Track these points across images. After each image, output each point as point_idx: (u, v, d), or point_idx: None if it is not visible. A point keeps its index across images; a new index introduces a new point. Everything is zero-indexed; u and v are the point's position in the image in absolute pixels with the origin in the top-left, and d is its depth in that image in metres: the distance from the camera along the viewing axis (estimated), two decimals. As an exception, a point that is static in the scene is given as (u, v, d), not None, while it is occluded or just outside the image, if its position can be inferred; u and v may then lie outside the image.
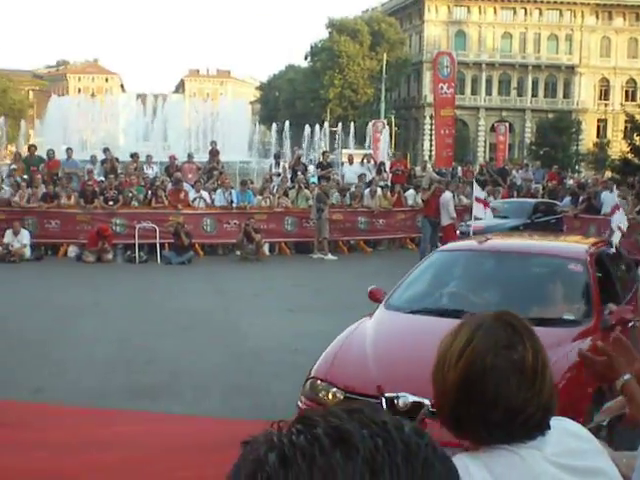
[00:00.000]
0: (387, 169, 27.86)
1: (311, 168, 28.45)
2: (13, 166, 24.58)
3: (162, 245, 20.51)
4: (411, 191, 25.11)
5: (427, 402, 5.33)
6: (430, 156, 57.32)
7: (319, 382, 6.23)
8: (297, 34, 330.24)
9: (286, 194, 23.14)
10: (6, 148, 48.29)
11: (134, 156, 25.08)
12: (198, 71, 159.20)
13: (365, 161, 28.92)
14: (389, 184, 25.30)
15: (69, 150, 25.78)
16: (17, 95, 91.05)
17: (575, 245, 8.88)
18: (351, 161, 28.83)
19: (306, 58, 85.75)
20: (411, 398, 5.52)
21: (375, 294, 7.94)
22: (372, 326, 7.15)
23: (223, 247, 22.15)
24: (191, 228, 20.70)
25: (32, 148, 26.45)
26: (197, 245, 21.12)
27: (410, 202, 24.57)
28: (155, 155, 27.60)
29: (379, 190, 23.76)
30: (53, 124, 40.86)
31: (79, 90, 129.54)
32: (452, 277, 8.29)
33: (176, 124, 42.19)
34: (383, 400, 5.62)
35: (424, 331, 6.88)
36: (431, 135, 62.45)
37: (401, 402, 5.54)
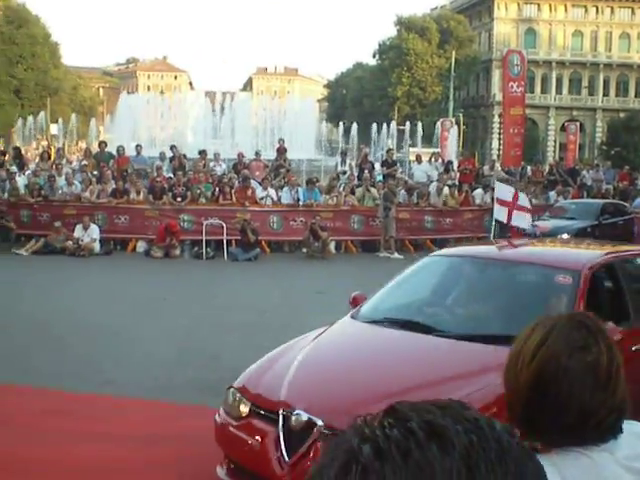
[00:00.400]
0: (455, 168, 27.62)
1: (377, 166, 28.34)
2: (84, 162, 24.94)
3: (229, 242, 20.60)
4: (479, 190, 24.82)
5: (320, 422, 5.05)
6: (498, 155, 56.65)
7: (234, 391, 5.87)
8: (365, 32, 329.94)
9: (353, 192, 23.08)
10: (76, 144, 49.10)
11: (202, 153, 25.27)
12: (266, 69, 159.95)
13: (433, 160, 28.69)
14: (457, 183, 25.05)
15: (138, 147, 26.13)
16: (87, 92, 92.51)
17: (581, 253, 7.70)
18: (419, 160, 28.60)
19: (374, 56, 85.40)
20: (305, 416, 5.16)
21: (357, 300, 7.43)
22: (319, 335, 6.63)
23: (289, 244, 22.18)
24: (258, 225, 20.75)
25: (102, 144, 26.80)
26: (263, 242, 21.17)
27: (477, 201, 24.29)
28: (223, 152, 27.78)
29: (446, 189, 23.55)
30: (123, 121, 41.36)
31: (148, 87, 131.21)
32: (433, 285, 7.63)
33: (244, 122, 42.42)
34: (280, 417, 5.32)
35: (368, 344, 6.53)
36: (500, 134, 61.67)
37: (293, 420, 5.20)
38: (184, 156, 25.35)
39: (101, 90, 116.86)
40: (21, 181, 23.00)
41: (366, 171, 24.85)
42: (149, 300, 14.27)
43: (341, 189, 23.13)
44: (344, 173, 25.56)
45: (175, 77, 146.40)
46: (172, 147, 26.24)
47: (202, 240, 20.43)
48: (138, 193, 21.70)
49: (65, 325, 12.06)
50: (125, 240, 21.51)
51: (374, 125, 42.62)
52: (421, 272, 7.72)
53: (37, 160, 27.86)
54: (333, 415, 5.05)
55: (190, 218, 21.18)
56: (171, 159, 25.06)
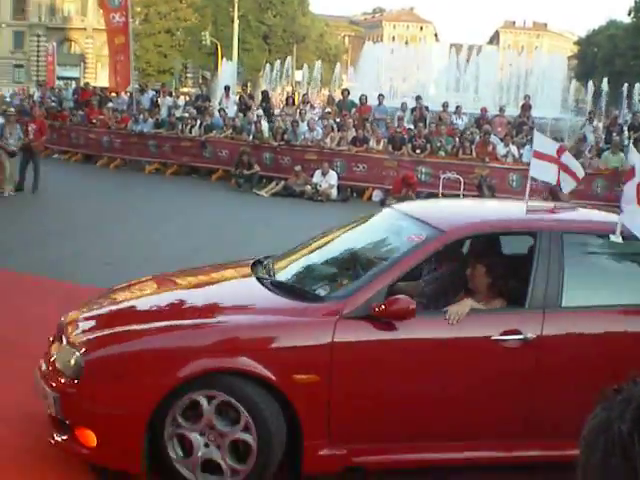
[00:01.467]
0: None
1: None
2: (327, 109, 25.23)
3: (465, 197, 20.23)
4: None
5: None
6: None
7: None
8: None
9: (599, 155, 21.98)
10: (320, 91, 49.91)
11: (444, 106, 24.92)
12: (514, 23, 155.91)
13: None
14: None
15: (380, 97, 26.12)
16: (333, 40, 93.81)
17: (474, 215, 6.35)
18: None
19: (629, 13, 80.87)
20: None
21: None
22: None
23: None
24: (496, 182, 20.21)
25: (345, 92, 27.03)
26: (501, 200, 20.63)
27: None
28: (465, 106, 27.29)
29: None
30: (366, 70, 41.66)
31: (393, 38, 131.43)
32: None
33: (488, 76, 41.52)
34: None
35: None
36: None
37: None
38: (426, 108, 25.12)
39: (346, 39, 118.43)
40: (266, 125, 23.64)
41: (614, 134, 23.59)
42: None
43: (587, 151, 22.09)
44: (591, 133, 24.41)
45: (421, 28, 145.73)
46: (417, 98, 26.02)
47: (438, 194, 20.18)
48: (378, 142, 21.74)
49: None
50: (362, 188, 21.63)
51: (625, 86, 40.44)
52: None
53: (282, 105, 28.53)
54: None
55: (428, 171, 20.96)
56: (412, 110, 24.89)
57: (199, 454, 4.90)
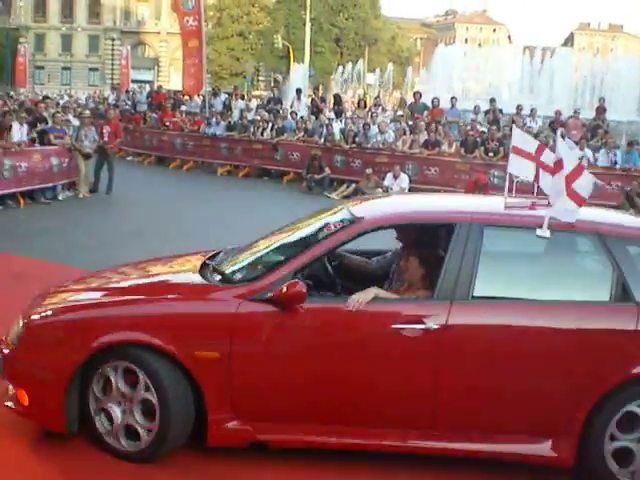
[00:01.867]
0: None
1: None
2: (399, 112, 25.12)
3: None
4: None
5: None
6: None
7: None
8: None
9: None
10: (391, 94, 49.84)
11: (518, 108, 24.61)
12: (589, 24, 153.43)
13: None
14: None
15: (453, 99, 25.96)
16: (405, 43, 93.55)
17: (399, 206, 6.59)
18: None
19: None
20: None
21: None
22: None
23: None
24: (571, 186, 19.86)
25: (417, 95, 26.88)
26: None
27: None
28: (539, 109, 26.89)
29: None
30: (438, 72, 41.43)
31: (466, 40, 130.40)
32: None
33: (563, 78, 40.82)
34: None
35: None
36: None
37: None
38: (500, 111, 24.84)
39: (418, 41, 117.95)
40: (337, 127, 23.65)
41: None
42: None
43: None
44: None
45: (494, 30, 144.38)
46: (492, 100, 25.68)
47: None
48: (450, 145, 21.57)
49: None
50: (434, 191, 21.43)
51: None
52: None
53: (353, 108, 28.52)
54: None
55: (500, 174, 20.68)
56: (486, 112, 24.64)
57: (119, 422, 5.37)
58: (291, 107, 27.59)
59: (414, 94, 27.61)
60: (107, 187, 18.87)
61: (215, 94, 29.66)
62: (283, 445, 5.42)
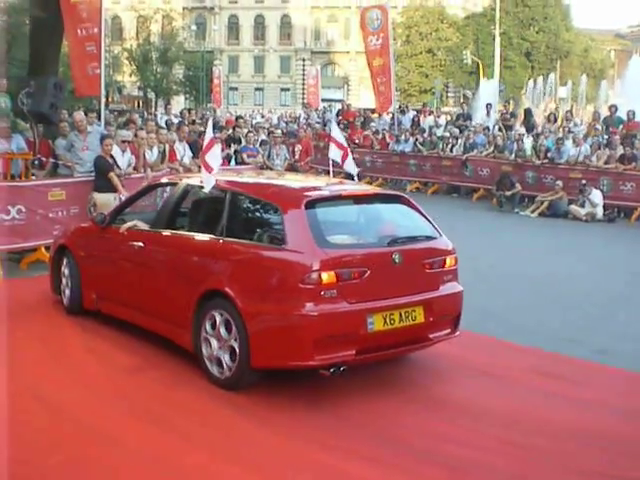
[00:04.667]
0: None
1: None
2: (597, 126, 24.34)
3: None
4: None
5: None
6: None
7: None
8: None
9: None
10: (585, 107, 48.51)
11: None
12: None
13: None
14: None
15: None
16: (598, 55, 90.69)
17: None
18: None
19: None
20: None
21: None
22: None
23: None
24: None
25: (612, 108, 25.99)
26: None
27: None
28: None
29: None
30: (633, 84, 39.88)
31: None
32: None
33: None
34: None
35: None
36: None
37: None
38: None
39: (612, 53, 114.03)
40: (528, 142, 23.25)
41: None
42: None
43: None
44: None
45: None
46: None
47: None
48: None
49: (561, 288, 12.02)
50: (630, 208, 20.65)
51: None
52: None
53: (544, 122, 27.95)
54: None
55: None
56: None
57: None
58: (481, 123, 27.35)
59: (609, 107, 26.70)
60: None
61: (403, 112, 29.82)
62: (110, 315, 8.84)
